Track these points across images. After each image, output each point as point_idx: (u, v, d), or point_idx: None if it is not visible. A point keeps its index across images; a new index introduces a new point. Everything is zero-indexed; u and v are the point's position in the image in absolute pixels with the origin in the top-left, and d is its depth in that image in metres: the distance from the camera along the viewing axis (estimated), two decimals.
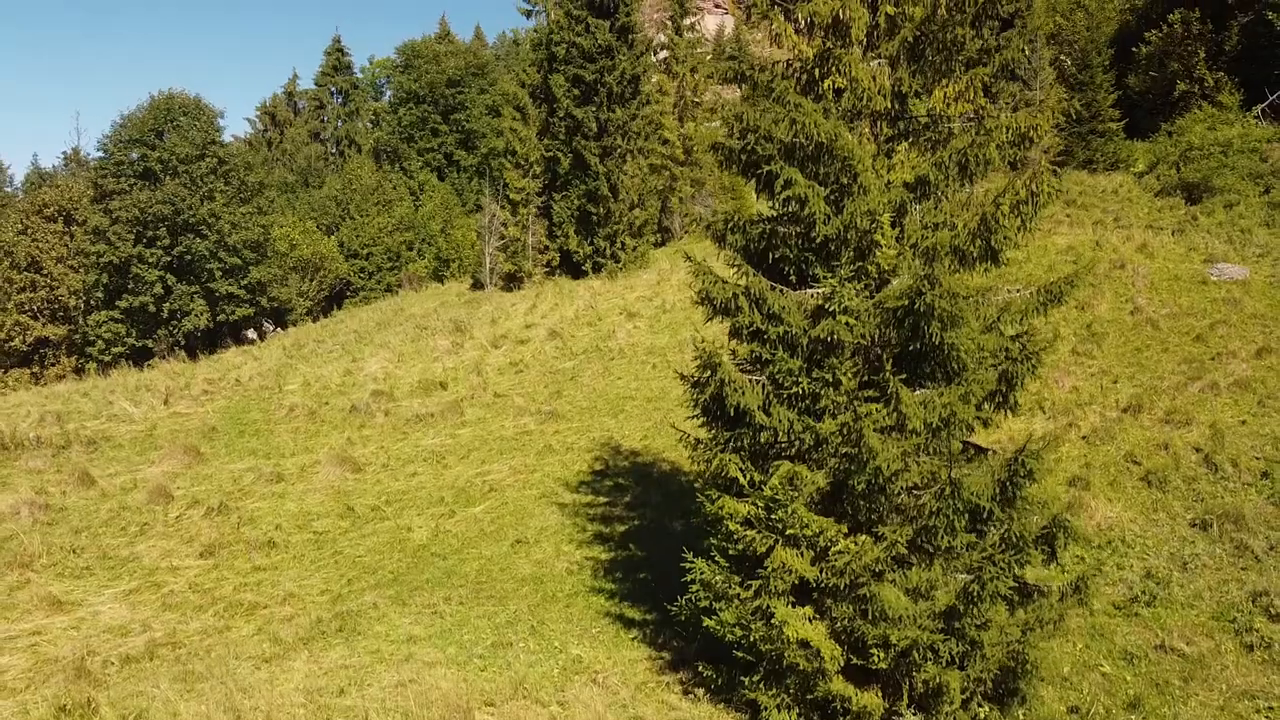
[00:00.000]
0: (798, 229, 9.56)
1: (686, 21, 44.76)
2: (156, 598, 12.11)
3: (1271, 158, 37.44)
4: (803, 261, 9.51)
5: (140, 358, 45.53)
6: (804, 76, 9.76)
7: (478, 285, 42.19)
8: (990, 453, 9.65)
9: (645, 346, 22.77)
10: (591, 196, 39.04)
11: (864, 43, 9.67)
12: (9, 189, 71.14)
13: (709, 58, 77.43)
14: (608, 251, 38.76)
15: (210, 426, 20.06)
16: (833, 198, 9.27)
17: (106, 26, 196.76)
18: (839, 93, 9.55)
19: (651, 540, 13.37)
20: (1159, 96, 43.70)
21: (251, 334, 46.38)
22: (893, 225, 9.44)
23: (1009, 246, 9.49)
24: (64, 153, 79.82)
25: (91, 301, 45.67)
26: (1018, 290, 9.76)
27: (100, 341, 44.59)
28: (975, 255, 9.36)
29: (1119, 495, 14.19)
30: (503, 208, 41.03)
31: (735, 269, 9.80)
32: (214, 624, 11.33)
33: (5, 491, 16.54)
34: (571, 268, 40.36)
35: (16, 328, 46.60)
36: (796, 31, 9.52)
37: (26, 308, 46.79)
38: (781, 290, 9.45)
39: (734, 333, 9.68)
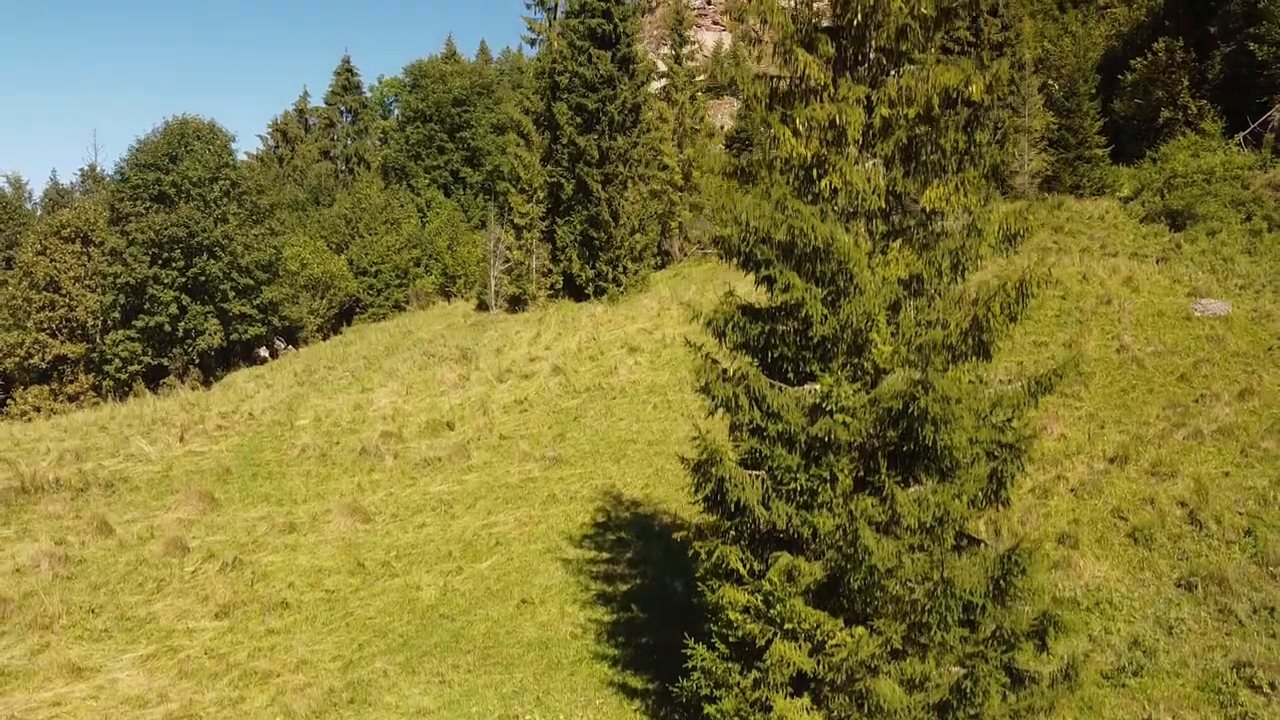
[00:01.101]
0: (795, 324, 9.53)
1: (686, 50, 44.68)
2: (173, 663, 12.09)
3: (1253, 185, 37.41)
4: (800, 359, 9.48)
5: (156, 376, 45.62)
6: (801, 174, 9.75)
7: (483, 307, 42.19)
8: (983, 544, 9.63)
9: (646, 384, 22.74)
10: (594, 222, 39.10)
11: (859, 142, 9.64)
12: (29, 205, 71.25)
13: (707, 73, 77.57)
14: (609, 275, 38.83)
15: (225, 468, 20.03)
16: (830, 298, 9.24)
17: (125, 41, 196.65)
18: (835, 190, 9.53)
19: (653, 601, 13.35)
20: (1144, 122, 43.65)
21: (264, 352, 46.36)
22: (887, 321, 9.42)
23: (1000, 339, 9.49)
24: (81, 169, 79.78)
25: (108, 321, 45.70)
26: (1009, 382, 9.73)
27: (117, 360, 44.63)
28: (967, 351, 9.35)
29: (1106, 553, 14.17)
30: (507, 231, 41.05)
31: (734, 363, 9.81)
32: (229, 694, 11.31)
33: (26, 540, 16.55)
34: (574, 290, 40.41)
35: (36, 345, 46.70)
36: (794, 134, 9.48)
37: (45, 326, 46.86)
38: (780, 388, 9.42)
39: (734, 428, 9.66)
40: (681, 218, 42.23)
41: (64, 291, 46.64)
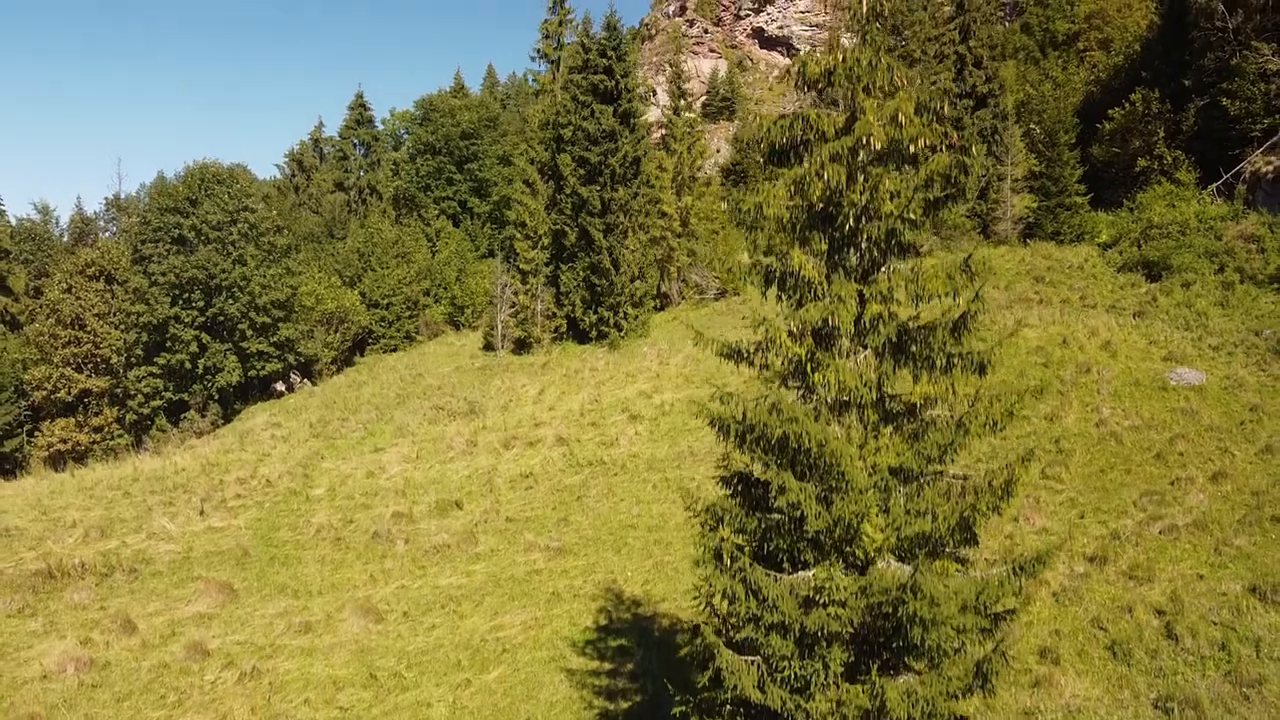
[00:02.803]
0: (790, 513, 9.48)
1: (684, 100, 44.51)
2: None
3: (1225, 236, 37.32)
4: (794, 549, 9.44)
5: (177, 410, 45.52)
6: (796, 365, 9.69)
7: (489, 347, 42.08)
8: None
9: (646, 459, 22.68)
10: (596, 269, 39.02)
11: (851, 333, 9.59)
12: (56, 231, 71.07)
13: (703, 97, 77.31)
14: (611, 320, 38.75)
15: (243, 549, 19.98)
16: (823, 495, 9.19)
17: (153, 58, 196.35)
18: (827, 383, 9.48)
19: None
20: (1121, 170, 43.56)
21: (281, 386, 46.26)
22: (879, 510, 9.37)
23: (986, 525, 9.45)
24: (106, 199, 79.60)
25: (132, 358, 45.58)
26: (993, 568, 9.68)
27: (140, 395, 44.54)
28: (955, 543, 9.32)
29: (1087, 668, 14.12)
30: (514, 277, 40.96)
31: (733, 538, 9.78)
32: None
33: (53, 635, 16.50)
34: (578, 333, 40.34)
35: (62, 379, 46.56)
36: (789, 335, 9.43)
37: (71, 361, 46.73)
38: (775, 576, 9.38)
39: (731, 615, 9.62)
40: (680, 262, 42.13)
41: (89, 328, 46.48)
